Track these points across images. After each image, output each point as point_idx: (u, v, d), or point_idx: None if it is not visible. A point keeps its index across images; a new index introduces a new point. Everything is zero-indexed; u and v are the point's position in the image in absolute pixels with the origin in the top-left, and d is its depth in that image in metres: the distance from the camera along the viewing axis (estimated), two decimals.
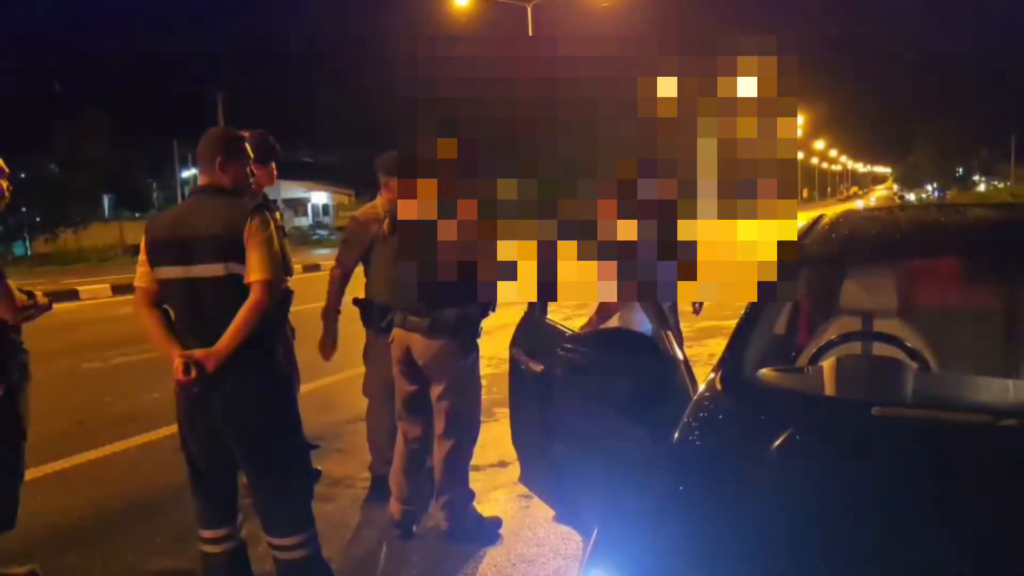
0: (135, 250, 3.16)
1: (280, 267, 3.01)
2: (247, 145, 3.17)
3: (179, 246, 2.94)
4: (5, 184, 3.43)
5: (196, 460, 3.10)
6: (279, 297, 3.03)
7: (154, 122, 43.02)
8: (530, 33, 26.14)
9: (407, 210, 2.06)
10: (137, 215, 36.38)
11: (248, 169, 3.16)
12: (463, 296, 2.30)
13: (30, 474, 4.82)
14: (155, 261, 3.00)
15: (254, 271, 2.88)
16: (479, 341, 3.80)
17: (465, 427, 3.77)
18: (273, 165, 4.36)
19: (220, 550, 3.15)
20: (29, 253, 27.99)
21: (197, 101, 36.57)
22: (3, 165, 3.43)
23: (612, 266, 2.02)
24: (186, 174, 41.69)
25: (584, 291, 2.08)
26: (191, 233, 2.93)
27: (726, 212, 1.99)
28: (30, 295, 3.47)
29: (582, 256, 2.02)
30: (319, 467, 4.60)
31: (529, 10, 28.10)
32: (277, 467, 3.05)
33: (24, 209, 31.74)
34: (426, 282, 2.07)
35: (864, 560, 1.62)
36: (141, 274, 3.04)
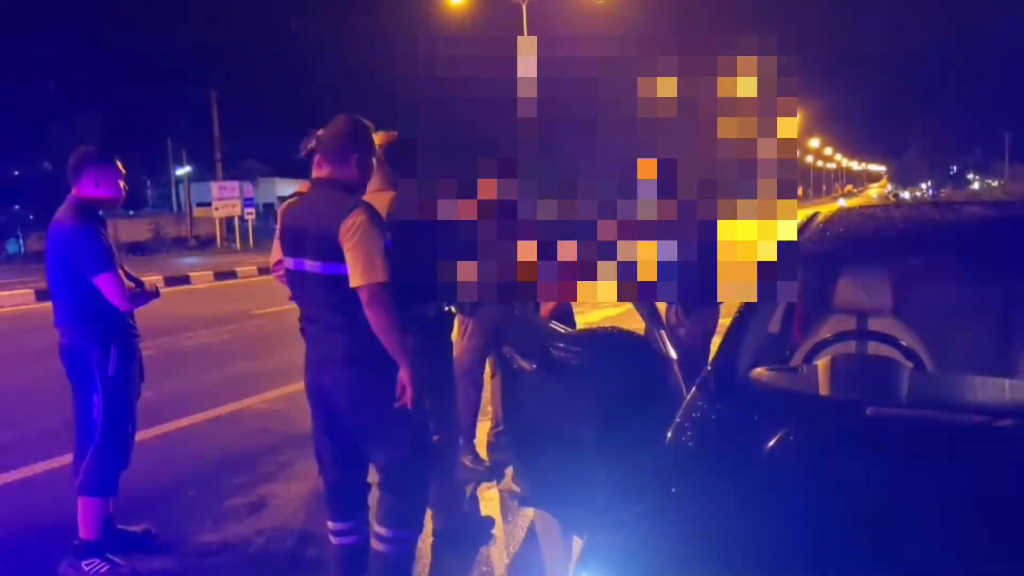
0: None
1: (385, 262, 2.81)
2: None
3: (294, 238, 2.94)
4: (123, 184, 3.57)
5: (319, 450, 3.12)
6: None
7: (148, 120, 42.90)
8: (525, 31, 26.11)
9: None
10: (131, 212, 36.21)
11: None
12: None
13: (21, 474, 4.83)
14: (283, 250, 3.02)
15: (355, 277, 2.78)
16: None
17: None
18: None
19: (337, 543, 3.14)
20: (23, 251, 27.85)
21: (192, 99, 36.50)
22: (121, 167, 3.57)
23: (612, 266, 2.02)
24: (180, 172, 41.53)
25: (582, 291, 2.08)
26: (304, 226, 2.90)
27: (726, 212, 1.98)
28: (138, 283, 3.54)
29: (581, 256, 2.01)
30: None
31: (524, 8, 28.04)
32: (396, 460, 3.01)
33: (17, 207, 31.61)
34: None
35: (857, 562, 1.61)
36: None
